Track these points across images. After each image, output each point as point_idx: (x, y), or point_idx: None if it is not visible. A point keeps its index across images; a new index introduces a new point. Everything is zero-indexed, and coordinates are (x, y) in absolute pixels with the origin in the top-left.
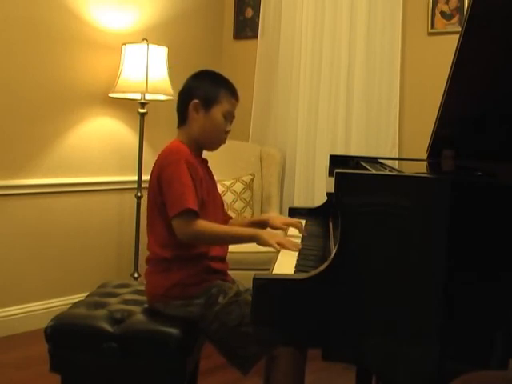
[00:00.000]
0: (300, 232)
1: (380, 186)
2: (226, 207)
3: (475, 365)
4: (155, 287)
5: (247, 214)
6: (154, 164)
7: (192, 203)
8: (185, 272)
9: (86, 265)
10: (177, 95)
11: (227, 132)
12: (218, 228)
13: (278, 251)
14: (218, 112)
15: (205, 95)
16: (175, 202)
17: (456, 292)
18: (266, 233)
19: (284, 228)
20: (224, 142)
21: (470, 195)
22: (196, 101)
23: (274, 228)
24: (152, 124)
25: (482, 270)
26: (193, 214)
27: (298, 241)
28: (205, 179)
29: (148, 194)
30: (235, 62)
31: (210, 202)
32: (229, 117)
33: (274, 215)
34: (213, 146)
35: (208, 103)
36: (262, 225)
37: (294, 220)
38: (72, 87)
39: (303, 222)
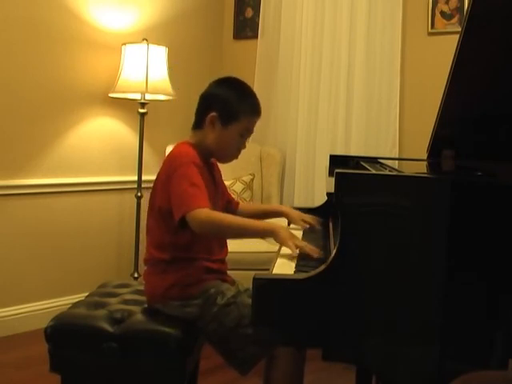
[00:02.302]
0: (316, 225)
1: (380, 186)
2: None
3: (475, 365)
4: (154, 288)
5: None
6: (161, 167)
7: (203, 202)
8: (182, 272)
9: (86, 265)
10: (177, 95)
11: (242, 149)
12: (231, 218)
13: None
14: (234, 130)
15: (225, 110)
16: (185, 203)
17: (456, 292)
18: (285, 231)
19: (303, 225)
20: (236, 158)
21: (470, 195)
22: (214, 114)
23: (294, 223)
24: (152, 124)
25: (481, 269)
26: (203, 209)
27: (300, 234)
28: (208, 184)
29: (151, 197)
30: (235, 62)
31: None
32: (246, 134)
33: (291, 210)
34: (223, 160)
35: (226, 120)
36: (276, 215)
37: (311, 217)
38: (72, 87)
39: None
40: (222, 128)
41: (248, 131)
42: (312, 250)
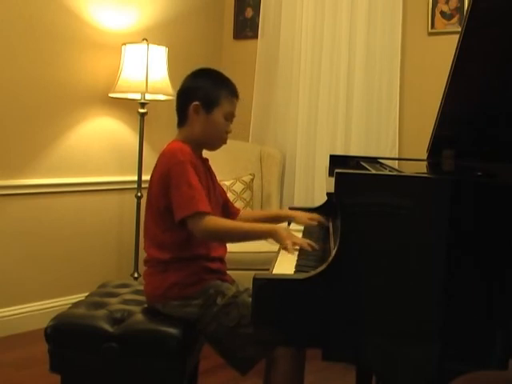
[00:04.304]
0: (324, 222)
1: (380, 186)
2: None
3: (475, 365)
4: (154, 288)
5: None
6: (156, 165)
7: (203, 205)
8: (182, 272)
9: (85, 265)
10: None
11: (228, 132)
12: (233, 224)
13: (291, 253)
14: (218, 114)
15: (205, 97)
16: (186, 205)
17: (456, 292)
18: (284, 231)
19: (311, 224)
20: (225, 142)
21: (469, 195)
22: (196, 103)
23: (301, 223)
24: (152, 124)
25: (482, 269)
26: (205, 215)
27: (300, 234)
28: (205, 179)
29: (148, 196)
30: (235, 62)
31: (210, 201)
32: (229, 117)
33: (296, 212)
34: (214, 147)
35: (209, 105)
36: (278, 220)
37: (316, 215)
38: (72, 87)
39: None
40: (206, 115)
41: (231, 114)
42: (309, 244)
